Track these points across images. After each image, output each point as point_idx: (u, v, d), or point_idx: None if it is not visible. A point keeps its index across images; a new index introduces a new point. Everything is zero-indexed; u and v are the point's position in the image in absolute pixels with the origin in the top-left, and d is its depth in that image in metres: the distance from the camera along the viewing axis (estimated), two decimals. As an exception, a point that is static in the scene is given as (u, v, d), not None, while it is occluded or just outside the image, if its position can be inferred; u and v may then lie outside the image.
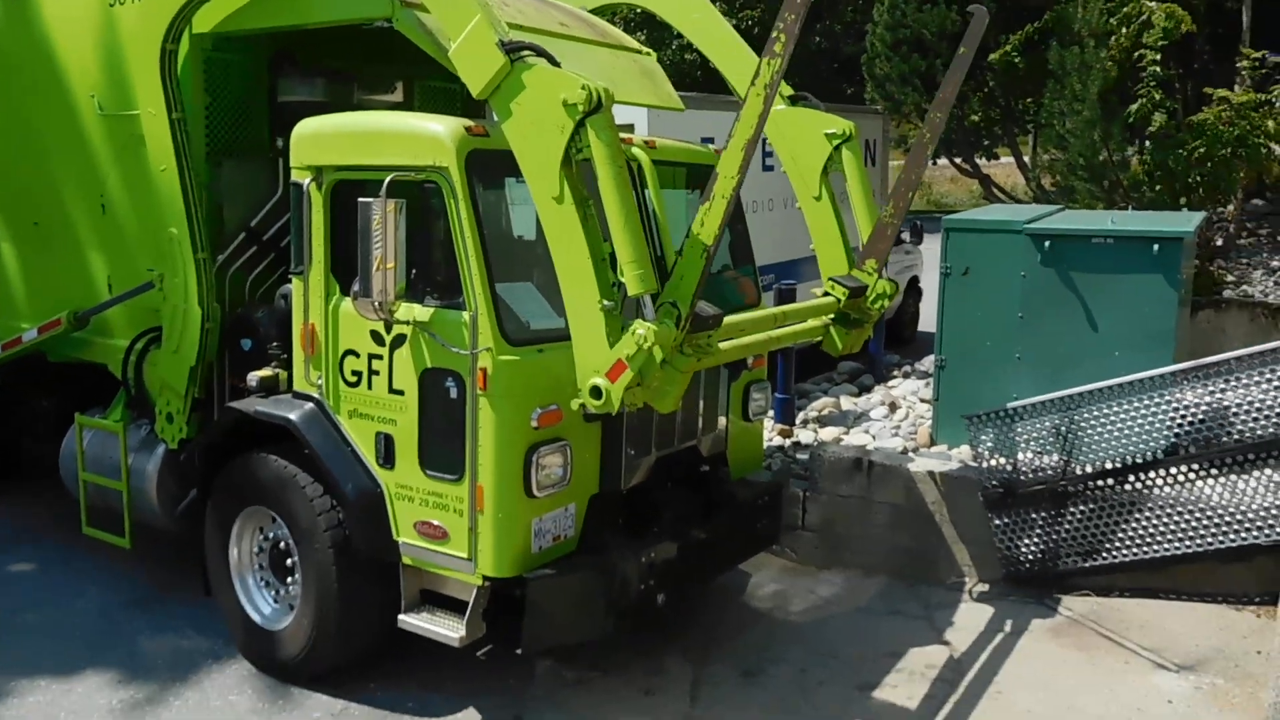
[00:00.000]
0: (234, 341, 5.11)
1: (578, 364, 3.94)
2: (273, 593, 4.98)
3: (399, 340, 4.40)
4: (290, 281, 4.80)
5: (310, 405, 4.69)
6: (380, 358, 4.47)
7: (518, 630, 4.30)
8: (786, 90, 5.61)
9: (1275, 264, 8.36)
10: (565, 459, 4.39)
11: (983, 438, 5.88)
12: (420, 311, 4.32)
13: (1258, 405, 5.45)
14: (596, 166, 3.78)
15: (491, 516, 4.23)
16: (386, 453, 4.49)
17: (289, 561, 4.81)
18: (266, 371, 4.88)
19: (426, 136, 4.25)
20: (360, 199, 4.13)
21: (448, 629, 4.40)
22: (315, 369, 4.67)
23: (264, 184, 5.27)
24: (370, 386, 4.51)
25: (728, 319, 4.13)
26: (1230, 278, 7.98)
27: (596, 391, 3.87)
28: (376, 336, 4.46)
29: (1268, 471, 5.41)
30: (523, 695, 4.78)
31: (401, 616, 4.52)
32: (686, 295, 3.80)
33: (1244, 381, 5.51)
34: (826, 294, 5.16)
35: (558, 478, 4.37)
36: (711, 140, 6.10)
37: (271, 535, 4.90)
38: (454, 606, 4.49)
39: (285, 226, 5.02)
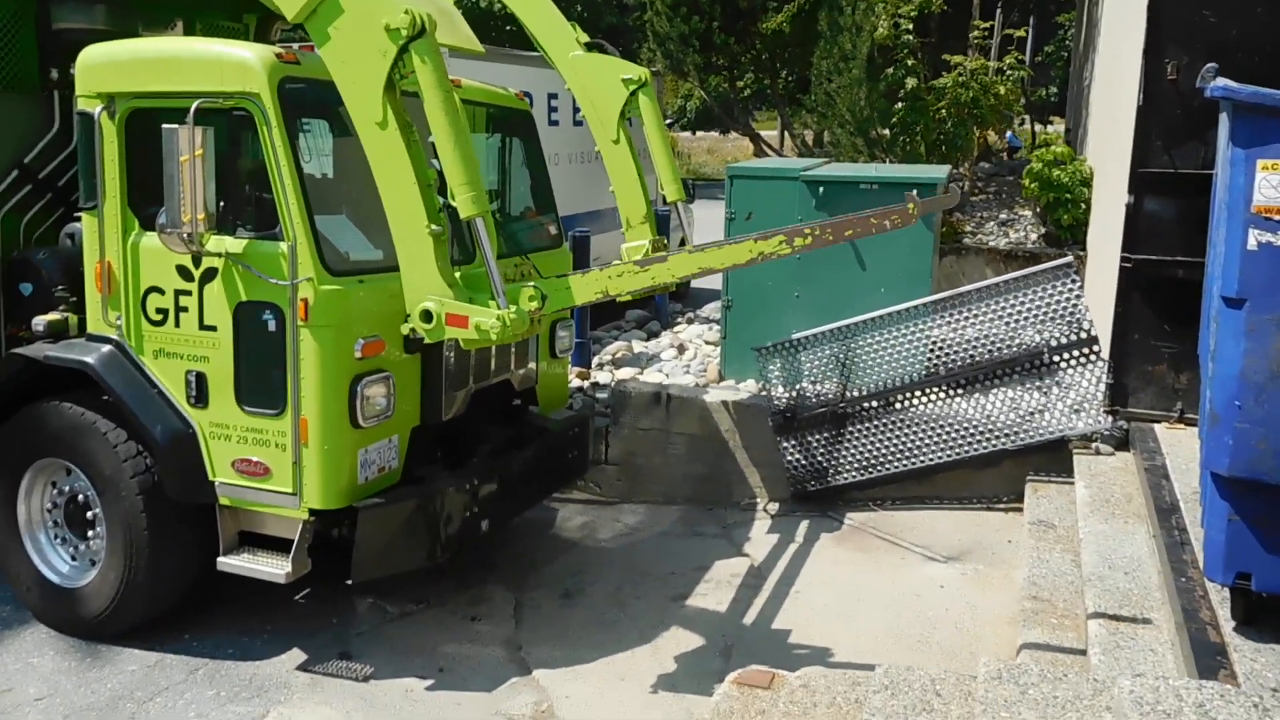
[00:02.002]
0: (11, 287, 4.75)
1: (406, 289, 3.98)
2: (70, 550, 4.69)
3: (209, 274, 4.26)
4: (78, 219, 4.52)
5: (109, 348, 4.45)
6: (189, 294, 4.31)
7: (348, 561, 4.31)
8: (582, 37, 5.79)
9: (1003, 217, 9.41)
10: (389, 389, 4.41)
11: (770, 368, 6.35)
12: (232, 243, 4.20)
13: (990, 336, 6.22)
14: (423, 92, 3.83)
15: (317, 449, 4.20)
16: (199, 391, 4.34)
17: (90, 514, 4.56)
18: (54, 316, 4.59)
19: (236, 62, 4.12)
20: (165, 125, 3.96)
21: (273, 567, 4.33)
22: (113, 309, 4.44)
23: (37, 118, 4.90)
24: (178, 324, 4.34)
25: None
26: (968, 228, 8.93)
27: (427, 315, 3.94)
28: (184, 271, 4.30)
29: (1006, 390, 6.20)
30: (347, 632, 4.78)
31: (221, 559, 4.40)
32: (560, 301, 3.99)
33: (979, 312, 6.26)
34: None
35: (382, 408, 4.39)
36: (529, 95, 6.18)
37: (67, 489, 4.63)
38: (276, 545, 4.42)
39: (65, 163, 4.70)
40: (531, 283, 4.03)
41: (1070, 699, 2.63)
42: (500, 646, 4.68)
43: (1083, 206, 8.42)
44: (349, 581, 4.33)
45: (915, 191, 4.24)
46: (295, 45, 4.47)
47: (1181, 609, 3.73)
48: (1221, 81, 3.25)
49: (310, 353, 4.15)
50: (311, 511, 4.27)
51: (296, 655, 4.56)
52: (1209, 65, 3.42)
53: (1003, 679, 2.68)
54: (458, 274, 4.09)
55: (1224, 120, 3.93)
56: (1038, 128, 11.65)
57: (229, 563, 4.40)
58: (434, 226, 3.91)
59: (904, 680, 2.98)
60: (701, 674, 4.40)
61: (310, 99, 4.29)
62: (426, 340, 4.02)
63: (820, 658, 4.43)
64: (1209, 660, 3.39)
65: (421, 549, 4.51)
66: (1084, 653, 3.96)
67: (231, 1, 5.87)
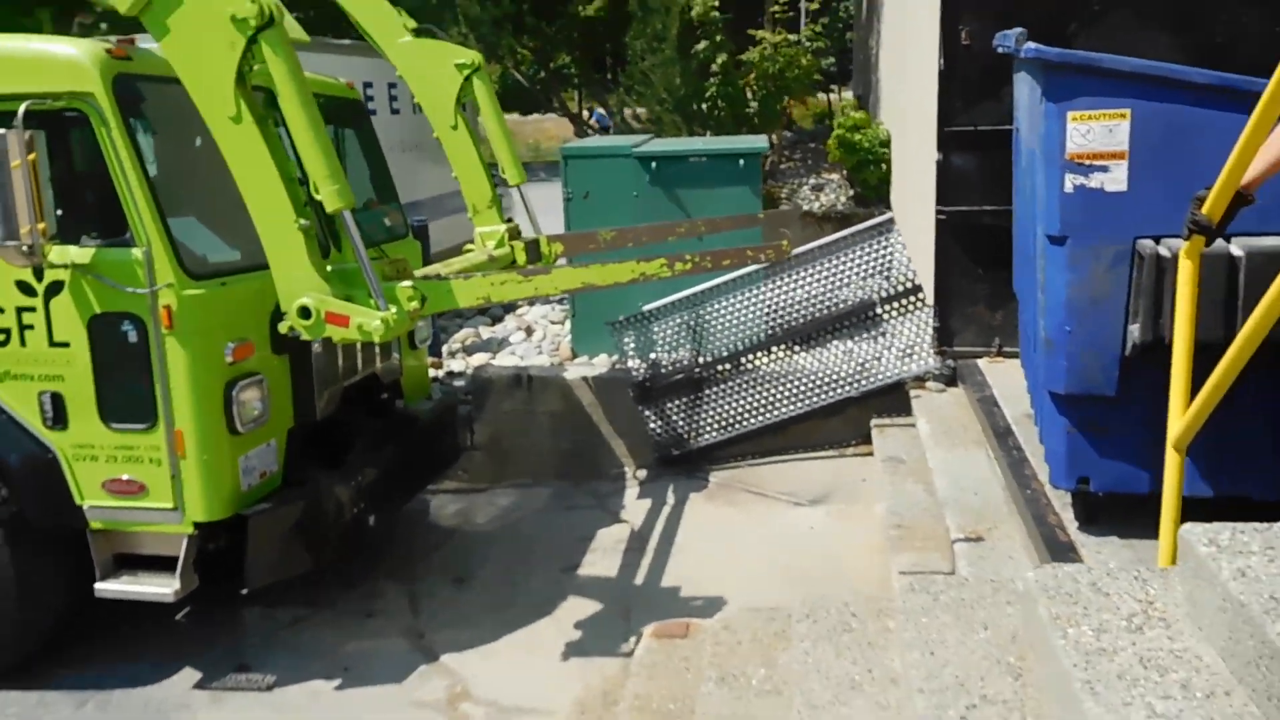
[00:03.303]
0: None
1: (280, 286, 3.90)
2: (-83, 598, 4.34)
3: (55, 288, 4.03)
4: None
5: (-57, 376, 4.14)
6: (33, 310, 4.06)
7: (241, 571, 4.20)
8: (410, 24, 5.75)
9: (812, 182, 9.96)
10: (263, 393, 4.32)
11: (625, 339, 6.55)
12: (78, 253, 3.99)
13: (823, 294, 6.67)
14: (276, 84, 3.74)
15: (196, 459, 4.07)
16: (55, 413, 4.11)
17: (-64, 556, 4.23)
18: (-128, 347, 4.20)
19: (64, 60, 3.90)
20: (-12, 133, 3.71)
21: (158, 586, 4.16)
22: (-56, 335, 4.12)
23: None
24: (24, 343, 4.09)
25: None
26: (783, 194, 9.40)
27: (305, 312, 3.87)
28: (25, 287, 4.05)
29: (843, 343, 6.65)
30: (240, 644, 4.66)
31: (99, 584, 4.20)
32: (441, 304, 3.96)
33: (812, 273, 6.69)
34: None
35: (258, 412, 4.29)
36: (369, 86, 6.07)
37: (-91, 532, 4.27)
38: (156, 564, 4.26)
39: None
40: (409, 282, 4.00)
41: (976, 598, 2.96)
42: (401, 637, 4.67)
43: (884, 166, 9.03)
44: (243, 591, 4.22)
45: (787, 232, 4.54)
46: (113, 39, 4.27)
47: (1032, 516, 4.17)
48: (1032, 45, 3.63)
49: (179, 361, 4.01)
50: (196, 524, 4.13)
51: (191, 674, 4.40)
52: (1019, 30, 3.81)
53: (915, 590, 2.98)
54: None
55: (1025, 78, 4.40)
56: (833, 96, 12.35)
57: (109, 588, 4.20)
58: (302, 221, 3.85)
59: (821, 607, 3.24)
60: (606, 637, 4.55)
61: (146, 96, 4.11)
62: (305, 338, 3.96)
63: (716, 605, 4.68)
64: (1062, 557, 3.81)
65: (314, 550, 4.44)
66: (952, 570, 4.36)
67: (25, -3, 5.50)
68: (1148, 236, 3.46)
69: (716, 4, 8.72)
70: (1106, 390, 3.67)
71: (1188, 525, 2.52)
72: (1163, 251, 3.38)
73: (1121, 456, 3.75)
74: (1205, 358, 3.01)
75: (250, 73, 3.77)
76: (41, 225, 3.78)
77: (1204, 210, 2.92)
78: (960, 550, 4.32)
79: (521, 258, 5.40)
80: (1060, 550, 3.87)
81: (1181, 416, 2.85)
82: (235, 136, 3.80)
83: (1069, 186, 3.58)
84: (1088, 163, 3.54)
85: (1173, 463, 2.87)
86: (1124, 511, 3.83)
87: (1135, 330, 3.52)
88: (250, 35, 3.70)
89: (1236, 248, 3.22)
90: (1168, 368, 3.44)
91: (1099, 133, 3.45)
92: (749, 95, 9.09)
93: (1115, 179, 3.48)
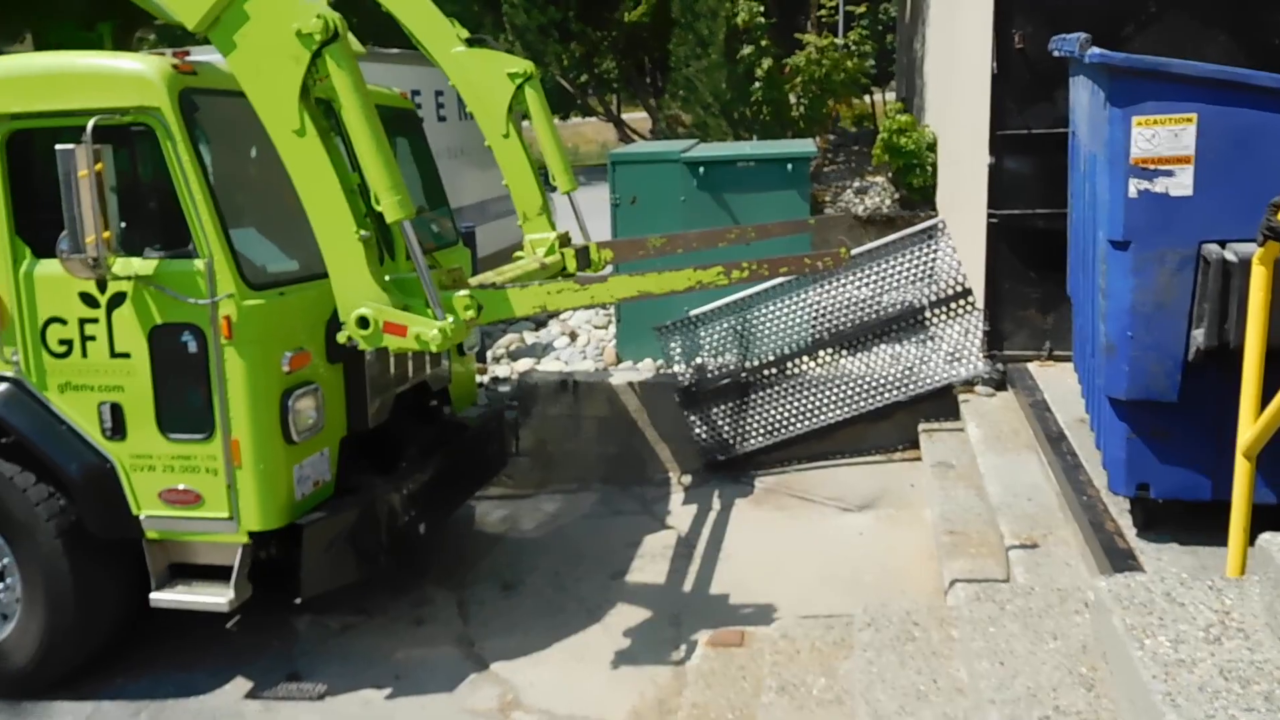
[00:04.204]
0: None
1: (339, 296, 3.92)
2: (-22, 605, 4.42)
3: (118, 299, 4.10)
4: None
5: (6, 386, 4.22)
6: (95, 321, 4.13)
7: (295, 579, 4.23)
8: (463, 33, 5.78)
9: (856, 185, 9.90)
10: (318, 402, 4.36)
11: (672, 344, 6.55)
12: (141, 265, 4.05)
13: (873, 297, 6.62)
14: (340, 96, 3.77)
15: (252, 468, 4.11)
16: (115, 423, 4.17)
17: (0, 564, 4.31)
18: (-60, 357, 4.29)
19: (131, 76, 3.96)
20: (59, 146, 3.77)
21: (213, 596, 4.19)
22: (8, 345, 4.20)
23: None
24: (85, 354, 4.15)
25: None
26: (827, 198, 9.35)
27: (363, 321, 3.89)
28: (88, 298, 4.12)
29: (892, 346, 6.60)
30: (291, 653, 4.69)
31: (154, 594, 4.24)
32: (497, 313, 3.96)
33: (861, 276, 6.66)
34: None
35: (313, 421, 4.33)
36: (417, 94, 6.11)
37: (-31, 541, 4.35)
38: (210, 574, 4.30)
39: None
40: (465, 291, 4.01)
41: (1043, 607, 2.92)
42: (452, 645, 4.69)
43: (929, 170, 8.95)
44: (296, 600, 4.25)
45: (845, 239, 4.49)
46: (168, 52, 4.33)
47: (1089, 523, 4.11)
48: (1097, 50, 3.58)
49: (237, 371, 4.06)
50: (251, 534, 4.17)
51: (242, 684, 4.44)
52: (1082, 35, 3.76)
53: (980, 599, 2.95)
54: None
55: (1084, 82, 4.34)
56: (879, 98, 12.25)
57: (164, 598, 4.25)
58: (363, 232, 3.88)
59: (882, 615, 3.22)
60: (657, 644, 4.55)
61: (210, 110, 4.17)
62: (362, 347, 3.98)
63: (768, 612, 4.66)
64: (1121, 564, 3.76)
65: (366, 558, 4.47)
66: (1007, 577, 4.31)
67: (84, 10, 5.58)
68: (1213, 241, 3.41)
69: (762, 10, 8.70)
70: (1169, 396, 3.62)
71: (1266, 535, 2.48)
72: (1229, 256, 3.33)
73: (1183, 463, 3.69)
74: (1274, 364, 2.96)
75: (314, 86, 3.81)
76: (106, 235, 3.84)
77: (1280, 216, 2.86)
78: (1016, 557, 4.27)
79: (572, 264, 5.41)
80: (1119, 557, 3.81)
81: (1253, 424, 2.80)
82: (298, 149, 3.83)
83: (1133, 191, 3.53)
84: (1152, 167, 3.49)
85: (1242, 470, 2.82)
86: (1183, 517, 3.77)
87: (1199, 335, 3.46)
88: (315, 50, 3.73)
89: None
90: (1231, 373, 3.38)
91: (1164, 137, 3.40)
92: (793, 99, 9.05)
93: (1180, 184, 3.43)
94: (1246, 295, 3.17)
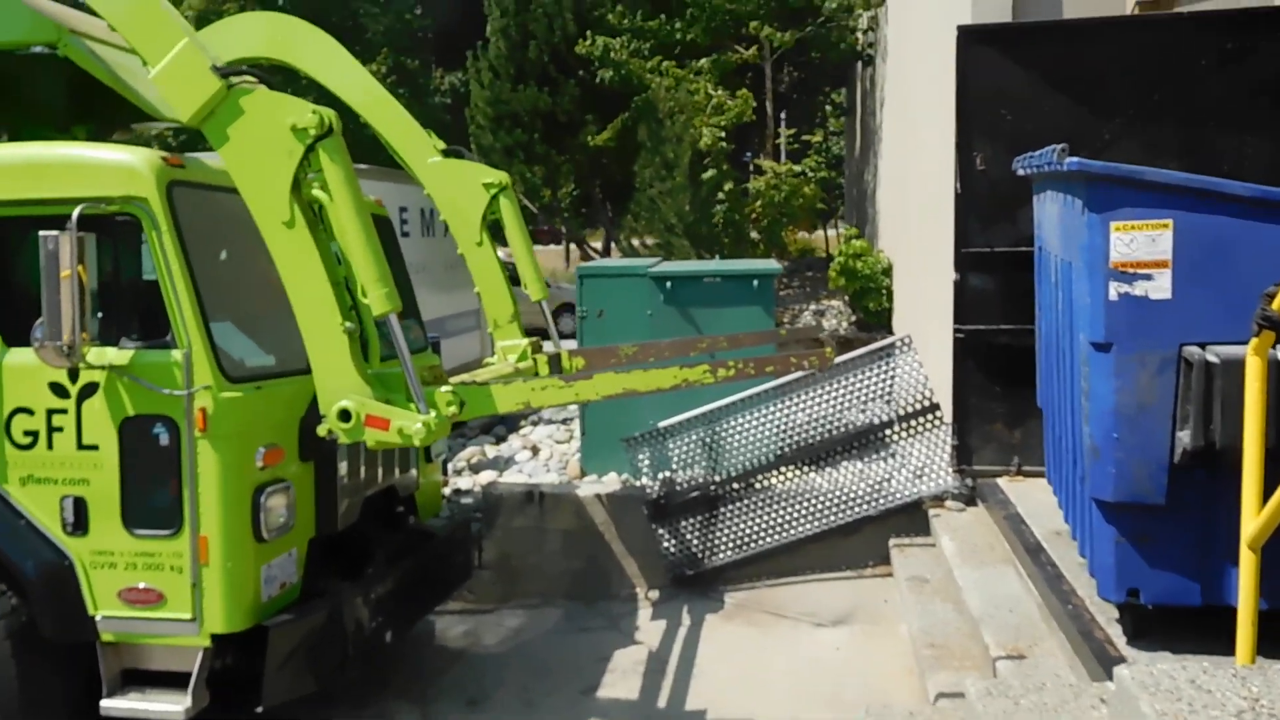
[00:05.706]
0: None
1: (320, 389, 3.85)
2: (-91, 715, 4.10)
3: (89, 389, 3.97)
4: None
5: (-39, 479, 4.02)
6: (64, 412, 3.99)
7: (256, 687, 4.00)
8: (439, 144, 5.88)
9: (813, 307, 10.14)
10: (289, 500, 4.22)
11: (640, 457, 6.49)
12: (116, 355, 3.95)
13: (840, 413, 6.69)
14: (331, 190, 3.79)
15: (220, 567, 3.93)
16: (77, 518, 3.99)
17: (-65, 669, 4.01)
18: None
19: (120, 167, 3.95)
20: (42, 232, 3.70)
21: (169, 704, 3.94)
22: (-32, 436, 4.02)
23: None
24: (51, 446, 3.99)
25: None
26: (786, 319, 9.55)
27: (345, 414, 3.81)
28: (58, 388, 3.98)
29: (858, 462, 6.63)
30: (245, 770, 4.39)
31: (105, 702, 3.98)
32: (480, 409, 3.94)
33: (828, 391, 6.72)
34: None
35: (284, 520, 4.18)
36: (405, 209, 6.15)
37: (-93, 642, 4.05)
38: (167, 681, 4.05)
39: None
40: (448, 386, 3.98)
41: (1058, 702, 2.85)
42: (419, 763, 4.44)
43: (884, 294, 9.21)
44: (257, 709, 4.00)
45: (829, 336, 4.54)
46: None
47: (1077, 631, 4.07)
48: (1074, 158, 3.76)
49: (210, 465, 3.92)
50: (214, 636, 3.96)
51: (193, 802, 4.13)
52: (1059, 145, 3.94)
53: (993, 694, 2.87)
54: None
55: (1054, 196, 4.53)
56: (831, 232, 12.68)
57: (116, 706, 3.98)
58: (348, 324, 3.84)
59: (886, 715, 3.12)
60: (635, 761, 4.35)
61: (195, 203, 4.15)
62: (343, 440, 3.89)
63: (750, 728, 4.50)
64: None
65: (331, 665, 4.25)
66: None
67: (61, 114, 5.57)
68: (1193, 343, 3.51)
69: (724, 135, 9.07)
70: (1156, 498, 3.64)
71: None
72: (1210, 358, 3.42)
73: (1172, 567, 3.69)
74: (1276, 461, 3.01)
75: (305, 180, 3.82)
76: (85, 329, 3.74)
77: (1274, 306, 2.96)
78: (1004, 668, 4.20)
79: (545, 370, 5.39)
80: (1112, 665, 3.76)
81: (1256, 516, 2.82)
82: (287, 240, 3.82)
83: (1114, 294, 3.63)
84: (1131, 271, 3.61)
85: (1248, 562, 2.83)
86: (1172, 626, 3.75)
87: (1185, 436, 3.52)
88: (309, 144, 3.76)
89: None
90: (1218, 474, 3.43)
91: (1142, 242, 3.53)
92: (753, 221, 9.33)
93: (1159, 287, 3.54)
94: (1230, 396, 3.26)
